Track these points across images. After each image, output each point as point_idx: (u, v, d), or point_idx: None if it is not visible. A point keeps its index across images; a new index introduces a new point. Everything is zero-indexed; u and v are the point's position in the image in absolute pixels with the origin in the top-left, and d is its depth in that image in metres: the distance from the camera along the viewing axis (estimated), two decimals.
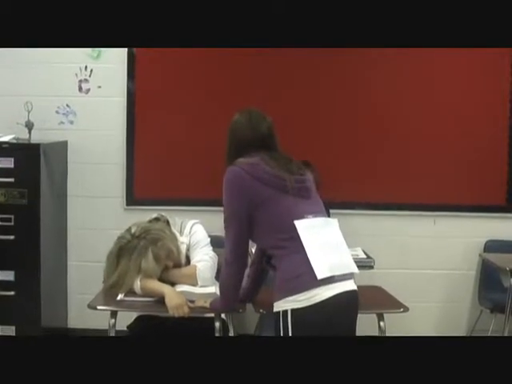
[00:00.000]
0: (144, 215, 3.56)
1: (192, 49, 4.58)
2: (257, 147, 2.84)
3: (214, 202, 4.67)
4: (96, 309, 3.16)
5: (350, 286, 2.67)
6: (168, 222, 3.45)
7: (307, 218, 2.70)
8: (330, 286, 2.59)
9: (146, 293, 3.23)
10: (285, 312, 2.60)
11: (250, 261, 3.06)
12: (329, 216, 3.04)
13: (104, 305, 3.21)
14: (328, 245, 2.69)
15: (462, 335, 4.87)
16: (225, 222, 2.83)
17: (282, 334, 2.62)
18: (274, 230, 2.71)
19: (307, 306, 2.57)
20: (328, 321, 2.58)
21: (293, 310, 2.58)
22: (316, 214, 2.75)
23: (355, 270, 2.74)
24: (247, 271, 3.05)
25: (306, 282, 2.58)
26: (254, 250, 3.12)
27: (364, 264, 4.09)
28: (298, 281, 2.60)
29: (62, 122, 4.83)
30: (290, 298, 2.59)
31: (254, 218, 2.74)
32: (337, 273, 2.62)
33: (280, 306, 2.62)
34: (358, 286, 3.10)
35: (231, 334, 3.49)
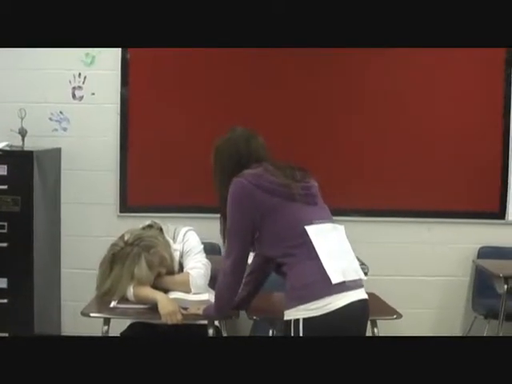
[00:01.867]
0: (137, 222, 3.56)
1: (186, 55, 4.62)
2: (257, 160, 2.84)
3: (207, 209, 4.69)
4: (89, 316, 3.15)
5: (361, 294, 2.66)
6: (161, 229, 3.45)
7: (315, 223, 2.69)
8: (343, 294, 2.57)
9: (139, 300, 3.22)
10: (296, 321, 2.57)
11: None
12: None
13: (97, 312, 3.21)
14: (338, 250, 2.69)
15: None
16: (229, 234, 2.80)
17: None
18: (282, 239, 2.68)
19: (320, 314, 2.54)
20: (340, 330, 2.55)
21: (305, 319, 2.56)
22: (323, 219, 2.74)
23: (362, 276, 2.73)
24: (244, 279, 3.06)
25: (318, 290, 2.56)
26: (250, 260, 3.11)
27: None
28: (310, 289, 2.57)
29: (56, 129, 4.83)
30: (302, 307, 2.57)
31: (261, 229, 2.72)
32: (349, 278, 2.61)
33: (291, 314, 2.60)
34: None
35: None
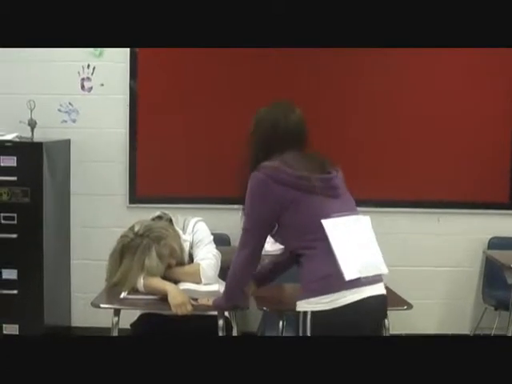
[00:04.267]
0: (147, 213, 3.55)
1: (194, 49, 4.59)
2: (283, 146, 2.76)
3: (217, 199, 4.70)
4: (99, 307, 3.15)
5: (378, 289, 2.61)
6: (171, 220, 3.44)
7: (334, 217, 2.63)
8: (358, 289, 2.54)
9: (149, 291, 3.22)
10: (305, 313, 2.56)
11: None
12: None
13: (107, 303, 3.21)
14: (357, 244, 2.63)
15: (465, 333, 4.87)
16: (245, 227, 2.76)
17: (300, 335, 2.59)
18: (302, 232, 2.65)
19: (329, 308, 2.52)
20: (352, 325, 2.52)
21: (313, 312, 2.54)
22: (344, 212, 2.69)
23: (385, 270, 2.67)
24: (274, 257, 3.07)
25: (331, 283, 2.53)
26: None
27: None
28: (324, 282, 2.55)
29: (65, 121, 4.83)
30: (313, 300, 2.55)
31: (281, 222, 2.69)
32: (365, 274, 2.56)
33: (301, 306, 2.59)
34: None
35: (234, 331, 3.48)
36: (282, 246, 4.16)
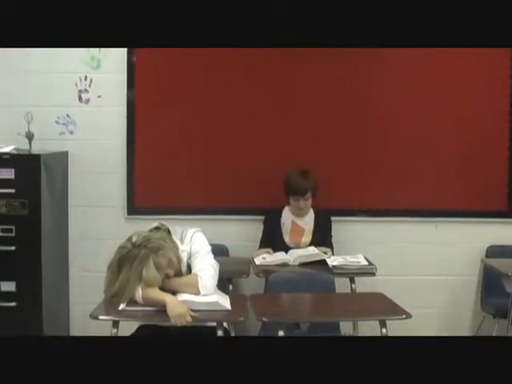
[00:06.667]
0: (145, 224, 3.55)
1: (191, 58, 4.62)
2: None
3: (215, 210, 4.70)
4: (98, 319, 3.15)
5: None
6: (169, 231, 3.44)
7: None
8: None
9: (147, 302, 3.22)
10: None
11: None
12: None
13: (106, 314, 3.20)
14: None
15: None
16: None
17: None
18: None
19: None
20: None
21: None
22: None
23: None
24: None
25: None
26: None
27: (366, 271, 4.10)
28: None
29: (63, 133, 4.83)
30: None
31: None
32: None
33: None
34: (360, 293, 2.92)
35: None
36: (281, 257, 4.20)
